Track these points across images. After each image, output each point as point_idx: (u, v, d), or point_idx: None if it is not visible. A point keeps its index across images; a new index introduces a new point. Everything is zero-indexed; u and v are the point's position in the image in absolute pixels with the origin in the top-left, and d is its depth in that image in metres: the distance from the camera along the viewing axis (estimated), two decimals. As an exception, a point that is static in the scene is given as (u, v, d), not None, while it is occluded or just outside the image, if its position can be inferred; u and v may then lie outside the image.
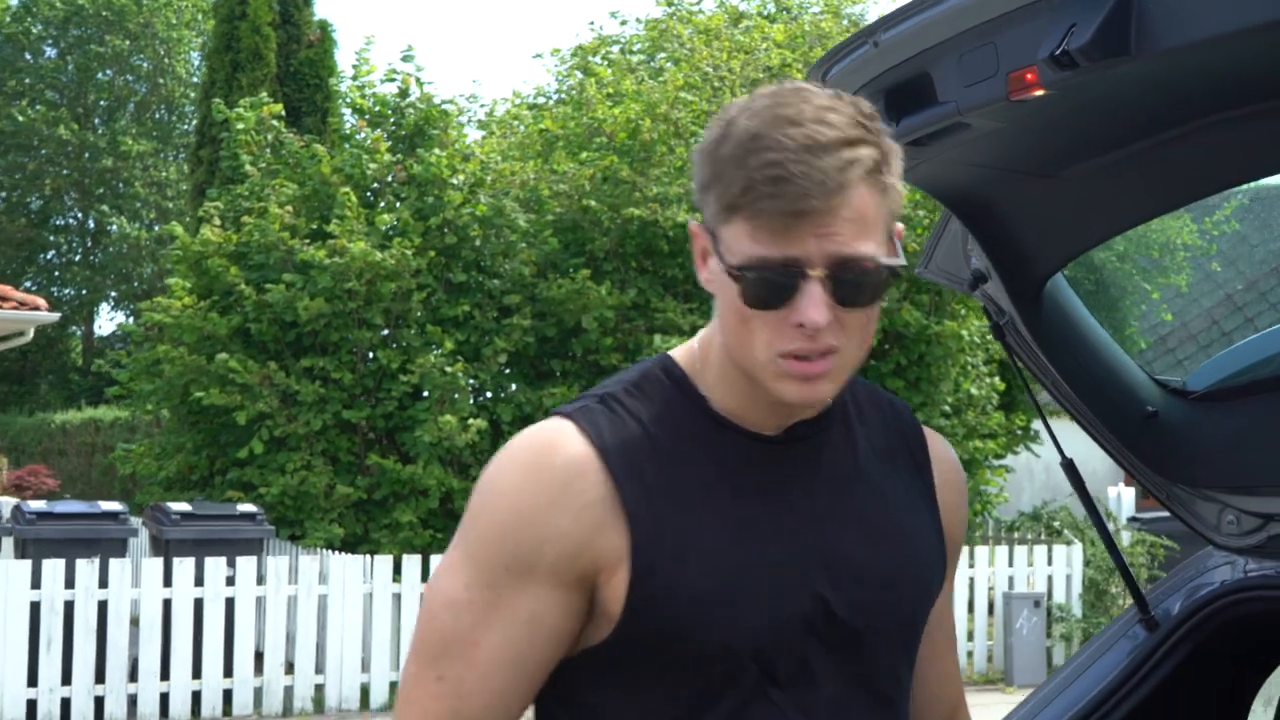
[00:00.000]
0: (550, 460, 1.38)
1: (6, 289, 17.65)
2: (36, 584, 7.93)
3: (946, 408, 11.10)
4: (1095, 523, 2.41)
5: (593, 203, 10.73)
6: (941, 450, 1.59)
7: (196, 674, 8.39)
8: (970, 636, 10.22)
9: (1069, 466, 2.47)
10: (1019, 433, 11.27)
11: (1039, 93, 1.75)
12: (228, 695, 8.49)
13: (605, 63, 13.86)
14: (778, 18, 15.86)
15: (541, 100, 15.31)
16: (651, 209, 10.55)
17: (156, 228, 35.71)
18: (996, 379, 11.63)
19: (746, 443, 1.43)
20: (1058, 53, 1.65)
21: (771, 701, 1.38)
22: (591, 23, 20.24)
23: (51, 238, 40.66)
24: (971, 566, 10.20)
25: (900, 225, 1.42)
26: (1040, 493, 14.72)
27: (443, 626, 1.39)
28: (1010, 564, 10.37)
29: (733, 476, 1.42)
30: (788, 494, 1.43)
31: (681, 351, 1.50)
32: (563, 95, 14.95)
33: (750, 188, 1.31)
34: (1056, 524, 12.29)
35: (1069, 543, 10.85)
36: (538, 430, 1.42)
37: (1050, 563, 10.52)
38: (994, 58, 1.80)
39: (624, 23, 17.56)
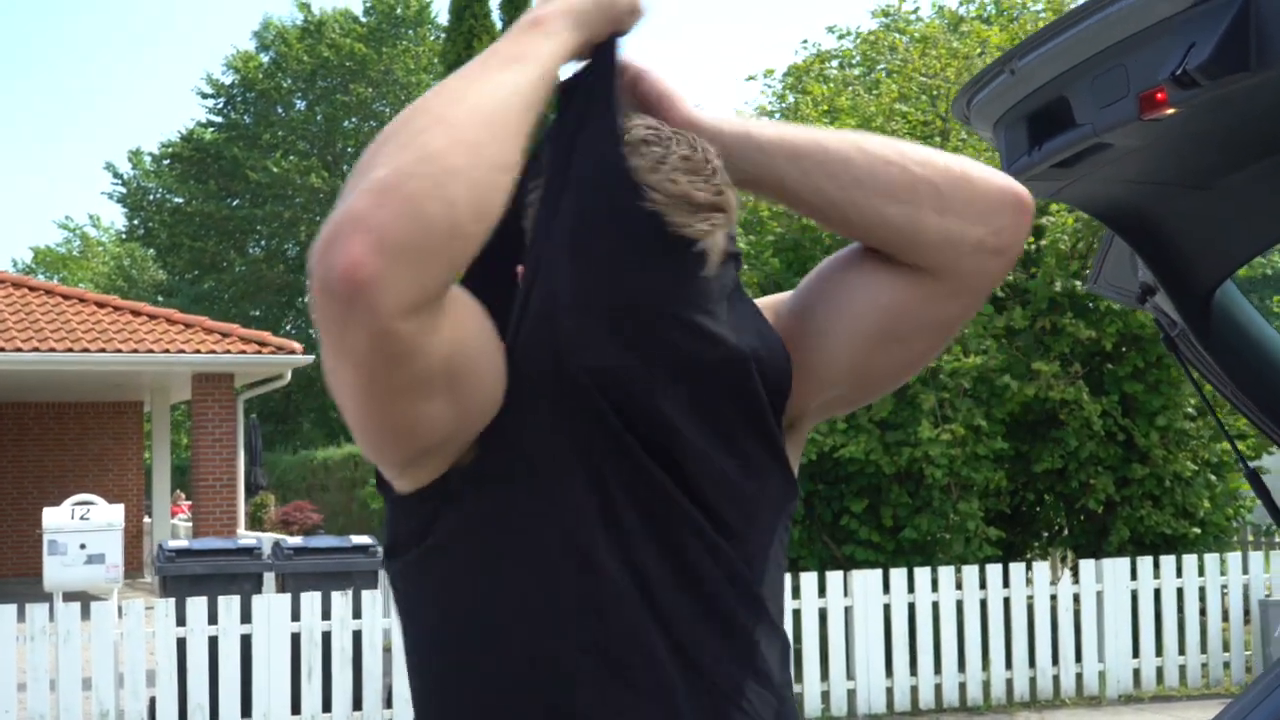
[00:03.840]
0: None
1: (265, 334, 18.67)
2: (296, 616, 8.37)
3: (1190, 409, 10.72)
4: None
5: (813, 221, 10.75)
6: None
7: None
8: (1226, 646, 9.83)
9: (1253, 476, 2.43)
10: (1257, 436, 10.80)
11: (1170, 111, 1.76)
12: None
13: (821, 79, 13.88)
14: (995, 20, 15.59)
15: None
16: (872, 223, 10.51)
17: (403, 267, 36.94)
18: (1211, 386, 11.14)
19: None
20: (1178, 72, 1.67)
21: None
22: (805, 41, 20.22)
23: (308, 282, 42.60)
24: (1225, 573, 9.82)
25: None
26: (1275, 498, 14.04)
27: None
28: (1267, 570, 9.94)
29: None
30: None
31: None
32: (779, 115, 15.01)
33: None
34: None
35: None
36: None
37: (1311, 567, 10.05)
38: (1125, 79, 1.82)
39: (841, 36, 17.54)
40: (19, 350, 16.55)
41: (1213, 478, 10.87)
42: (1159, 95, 1.75)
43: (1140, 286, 2.33)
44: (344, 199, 1.11)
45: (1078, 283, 10.40)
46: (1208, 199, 2.12)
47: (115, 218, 67.90)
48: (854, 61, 16.83)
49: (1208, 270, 2.25)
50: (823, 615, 8.94)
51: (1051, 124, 1.98)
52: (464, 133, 1.14)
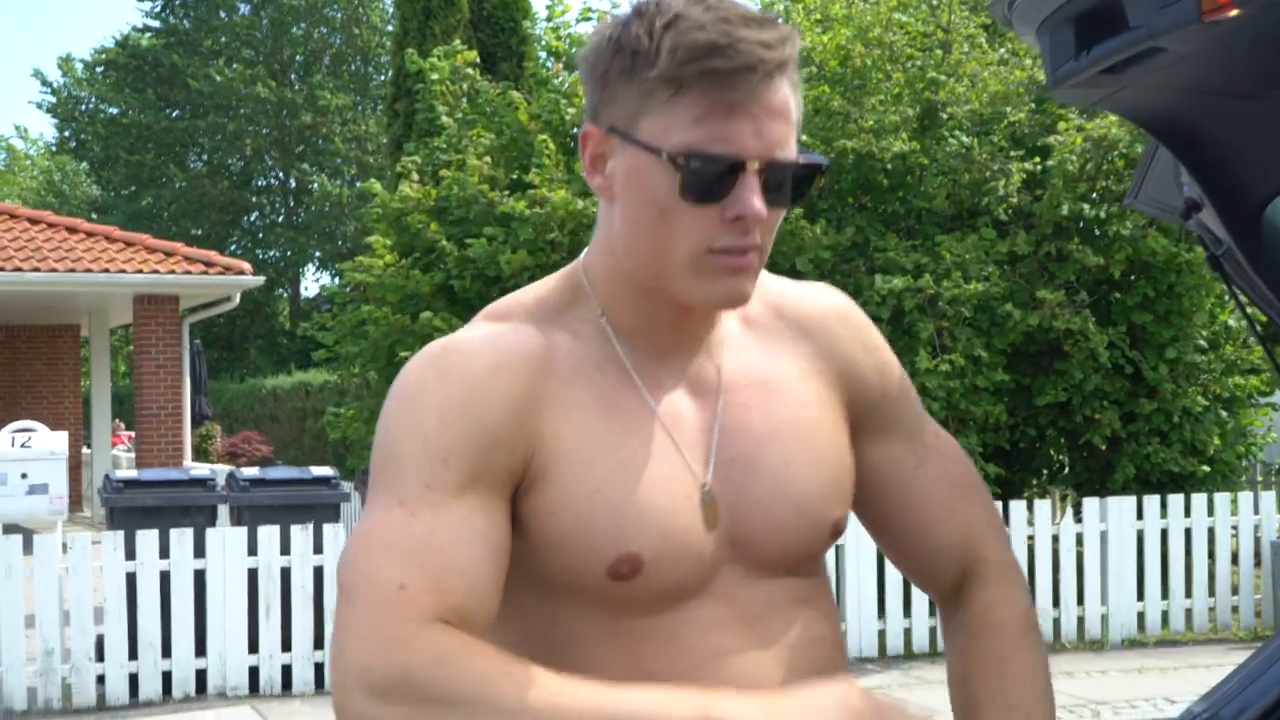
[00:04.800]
0: (463, 365, 1.40)
1: (211, 254, 18.58)
2: (253, 550, 8.40)
3: (1202, 341, 10.80)
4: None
5: (804, 137, 10.73)
6: (814, 304, 1.61)
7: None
8: (1235, 590, 9.99)
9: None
10: (1286, 366, 10.91)
11: (1233, 13, 1.77)
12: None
13: (813, -15, 13.80)
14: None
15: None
16: (866, 140, 10.51)
17: (358, 184, 36.75)
18: (1255, 309, 11.21)
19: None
20: (1246, -29, 1.68)
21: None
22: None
23: (254, 199, 42.23)
24: (1235, 514, 9.96)
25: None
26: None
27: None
28: (1278, 510, 10.08)
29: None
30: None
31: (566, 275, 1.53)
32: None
33: (691, 59, 1.33)
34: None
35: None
36: (439, 343, 1.44)
37: (1325, 508, 10.21)
38: (1186, -23, 1.83)
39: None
40: (-54, 268, 16.44)
41: (1224, 414, 10.98)
42: (1222, -5, 1.77)
43: (1185, 202, 2.35)
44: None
45: (1085, 206, 10.44)
46: (1262, 110, 2.13)
47: (44, 129, 67.17)
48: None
49: (1258, 186, 2.27)
50: (812, 555, 9.04)
51: (1101, 26, 1.99)
52: None
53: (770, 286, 1.59)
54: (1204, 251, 2.39)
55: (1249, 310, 2.63)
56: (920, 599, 9.15)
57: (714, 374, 1.49)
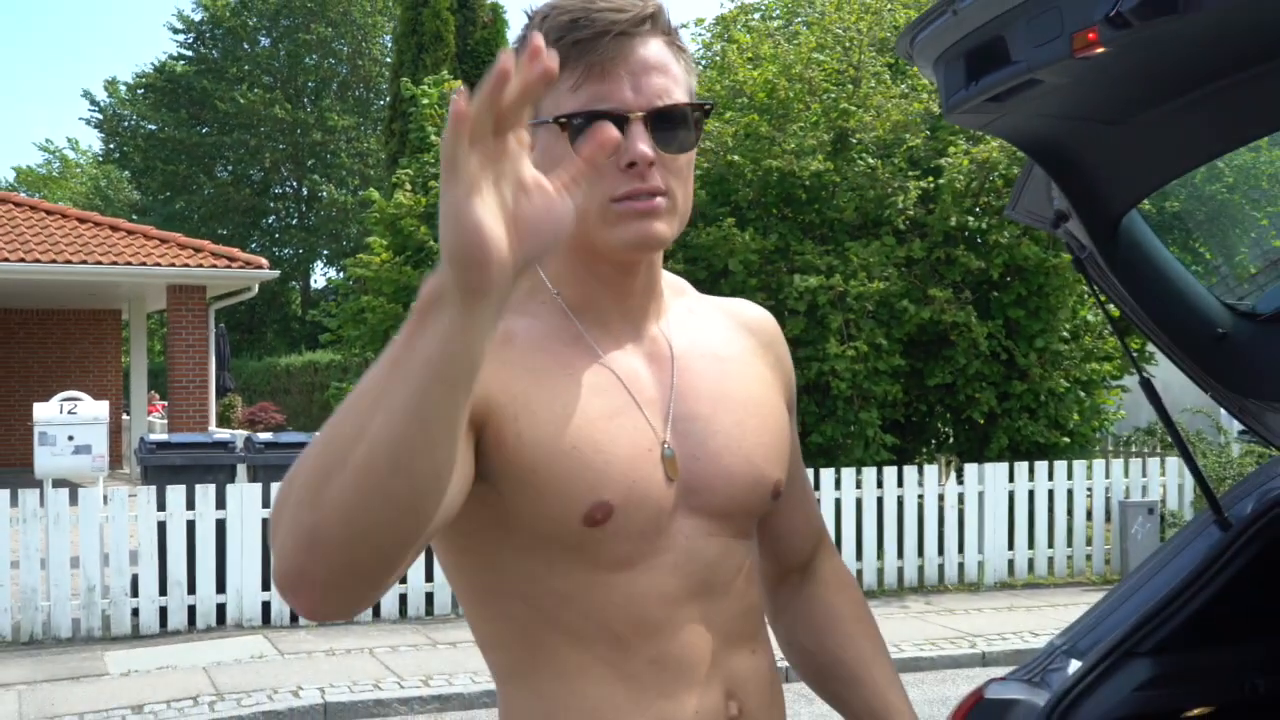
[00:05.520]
0: None
1: (234, 251, 18.34)
2: (266, 503, 8.31)
3: (1065, 333, 10.85)
4: (1170, 434, 2.40)
5: (736, 157, 10.70)
6: (755, 312, 1.55)
7: (429, 577, 8.68)
8: (1089, 541, 10.07)
9: (1147, 385, 2.46)
10: (1134, 355, 10.98)
11: (1100, 50, 1.74)
12: (455, 600, 8.82)
13: (745, 30, 13.75)
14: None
15: (690, 66, 15.23)
16: (789, 160, 10.47)
17: (360, 193, 36.54)
18: (1112, 305, 11.28)
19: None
20: (1112, 14, 1.65)
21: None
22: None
23: (271, 204, 41.88)
24: (1089, 478, 10.03)
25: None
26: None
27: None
28: (1126, 475, 10.17)
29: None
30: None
31: None
32: (708, 61, 14.87)
33: (560, 37, 1.29)
34: (1169, 439, 11.92)
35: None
36: None
37: (1163, 473, 10.28)
38: (1059, 20, 1.80)
39: (763, -8, 17.34)
40: (5, 260, 16.15)
41: (1082, 394, 11.05)
42: (1090, 35, 1.74)
43: (1055, 213, 2.33)
44: (281, 520, 1.01)
45: (970, 218, 10.46)
46: (1122, 134, 2.11)
47: (92, 141, 66.24)
48: (775, 14, 16.68)
49: (1117, 199, 2.25)
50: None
51: (988, 61, 1.96)
52: (373, 480, 0.97)
53: (708, 298, 1.53)
54: (1070, 256, 2.37)
55: (1107, 306, 2.61)
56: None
57: (666, 347, 1.41)
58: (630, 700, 1.31)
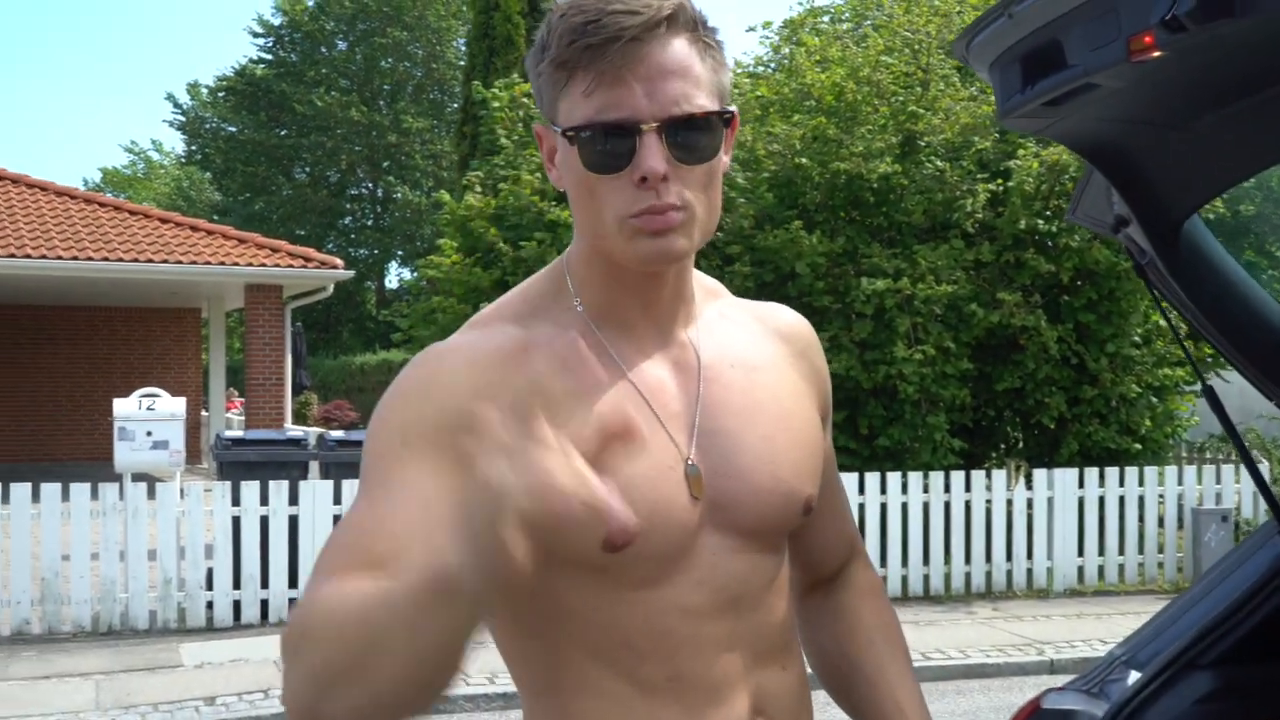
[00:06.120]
0: (437, 361, 1.27)
1: (310, 251, 18.59)
2: (338, 500, 8.41)
3: (1136, 338, 10.69)
4: (1233, 440, 2.35)
5: (804, 160, 10.65)
6: (789, 318, 1.50)
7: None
8: (1161, 549, 9.89)
9: (1209, 392, 2.41)
10: (1210, 360, 10.79)
11: (1156, 54, 1.72)
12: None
13: (814, 33, 13.68)
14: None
15: (759, 69, 15.19)
16: (856, 163, 10.40)
17: (433, 194, 36.82)
18: (1176, 312, 11.04)
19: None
20: (1167, 17, 1.62)
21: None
22: (801, -3, 20.07)
23: (348, 205, 42.37)
24: (1161, 484, 9.86)
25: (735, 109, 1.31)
26: (1231, 416, 14.00)
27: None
28: (1199, 482, 9.97)
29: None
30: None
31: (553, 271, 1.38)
32: (776, 64, 14.81)
33: (572, 40, 1.22)
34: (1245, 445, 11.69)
35: (1257, 462, 10.33)
36: (421, 355, 1.29)
37: (1238, 480, 10.08)
38: (1116, 23, 1.77)
39: (833, -6, 17.25)
40: (90, 259, 16.50)
41: (1154, 399, 10.86)
42: (1146, 39, 1.71)
43: (1115, 218, 2.29)
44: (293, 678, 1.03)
45: (1040, 221, 10.32)
46: (1181, 138, 2.07)
47: (175, 143, 67.47)
48: (844, 17, 16.58)
49: (1178, 204, 2.21)
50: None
51: (1044, 65, 1.94)
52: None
53: (742, 301, 1.49)
54: (1131, 261, 2.33)
55: (1169, 312, 2.56)
56: (894, 552, 9.08)
57: (693, 357, 1.36)
58: (653, 718, 1.28)
